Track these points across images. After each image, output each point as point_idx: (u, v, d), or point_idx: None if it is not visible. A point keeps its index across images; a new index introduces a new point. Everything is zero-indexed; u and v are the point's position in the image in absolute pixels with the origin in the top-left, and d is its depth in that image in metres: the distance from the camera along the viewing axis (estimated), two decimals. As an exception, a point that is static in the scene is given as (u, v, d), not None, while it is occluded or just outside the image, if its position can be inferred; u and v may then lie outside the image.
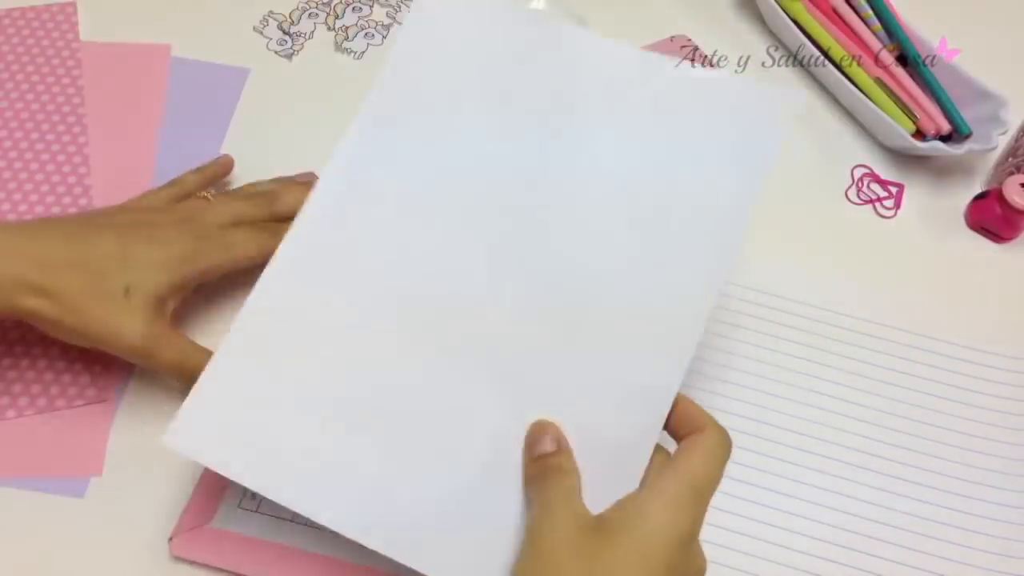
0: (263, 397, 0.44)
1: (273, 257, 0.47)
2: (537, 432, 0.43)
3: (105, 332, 0.48)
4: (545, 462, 0.42)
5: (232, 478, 0.43)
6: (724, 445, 0.42)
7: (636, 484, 0.42)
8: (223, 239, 0.52)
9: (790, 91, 0.49)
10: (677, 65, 0.50)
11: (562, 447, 0.43)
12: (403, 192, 0.48)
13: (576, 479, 0.42)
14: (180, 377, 0.50)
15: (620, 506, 0.40)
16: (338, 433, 0.44)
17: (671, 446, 0.43)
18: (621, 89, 0.50)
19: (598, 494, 0.40)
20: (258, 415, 0.44)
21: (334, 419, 0.44)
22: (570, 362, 0.45)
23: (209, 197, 0.55)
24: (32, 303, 0.47)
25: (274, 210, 0.55)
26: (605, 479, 0.40)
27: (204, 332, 0.55)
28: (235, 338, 0.45)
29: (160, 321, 0.49)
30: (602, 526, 0.39)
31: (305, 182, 0.58)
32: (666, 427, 0.43)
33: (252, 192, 0.57)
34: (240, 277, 0.52)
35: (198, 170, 0.58)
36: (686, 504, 0.39)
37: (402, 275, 0.47)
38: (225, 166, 0.60)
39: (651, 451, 0.42)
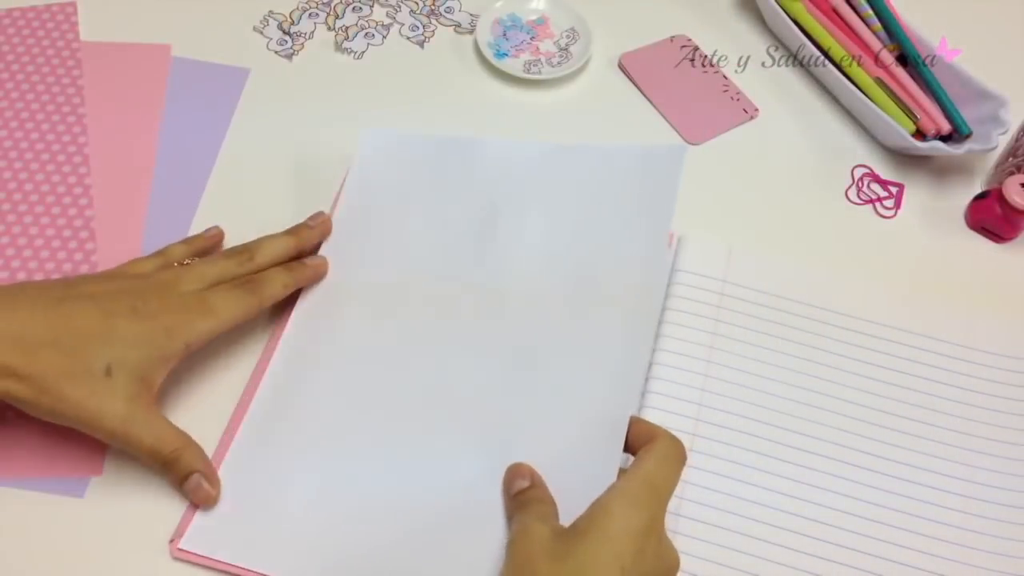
0: (267, 497, 0.49)
1: (265, 371, 0.53)
2: (513, 473, 0.49)
3: (83, 415, 0.46)
4: (522, 496, 0.47)
5: (248, 567, 0.47)
6: (676, 449, 0.46)
7: None
8: (204, 304, 0.50)
9: (672, 145, 0.59)
10: (575, 149, 0.60)
11: (536, 482, 0.48)
12: (372, 296, 0.56)
13: (551, 506, 0.47)
14: (153, 464, 0.48)
15: (587, 510, 0.43)
16: (338, 519, 0.49)
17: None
18: (535, 181, 0.59)
19: (573, 518, 0.44)
20: (264, 513, 0.49)
21: (334, 508, 0.49)
22: (535, 411, 0.51)
23: (188, 263, 0.53)
24: (6, 386, 0.44)
25: (254, 264, 0.53)
26: (579, 506, 0.44)
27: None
28: (236, 450, 0.51)
29: (141, 401, 0.47)
30: (572, 530, 0.43)
31: (286, 232, 0.56)
32: (626, 448, 0.48)
33: (230, 250, 0.54)
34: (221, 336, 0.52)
35: (186, 241, 0.56)
36: (644, 500, 0.43)
37: (387, 362, 0.54)
38: (214, 239, 0.57)
39: (616, 472, 0.47)
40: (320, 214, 0.58)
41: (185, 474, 0.48)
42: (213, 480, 0.49)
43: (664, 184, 0.57)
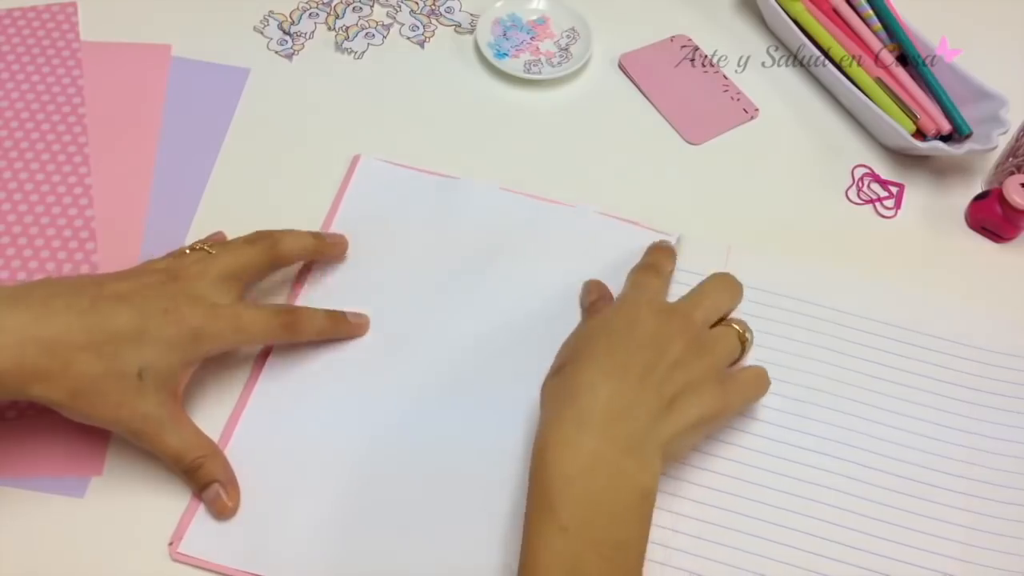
0: (265, 500, 0.49)
1: (258, 379, 0.53)
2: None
3: (114, 417, 0.46)
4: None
5: (248, 571, 0.47)
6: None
7: None
8: (237, 319, 0.50)
9: (666, 235, 0.61)
10: (568, 210, 0.62)
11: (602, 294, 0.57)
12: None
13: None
14: (177, 467, 0.49)
15: None
16: (336, 522, 0.49)
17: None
18: (533, 236, 0.60)
19: None
20: (263, 516, 0.49)
21: (332, 511, 0.50)
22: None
23: (210, 251, 0.52)
24: (41, 390, 0.45)
25: (276, 253, 0.53)
26: None
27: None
28: (232, 454, 0.50)
29: (170, 403, 0.48)
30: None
31: (311, 232, 0.56)
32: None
33: (252, 236, 0.54)
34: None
35: (197, 243, 0.55)
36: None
37: (381, 376, 0.54)
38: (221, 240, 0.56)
39: None
40: (341, 235, 0.58)
41: (205, 483, 0.49)
42: (232, 492, 0.49)
43: None
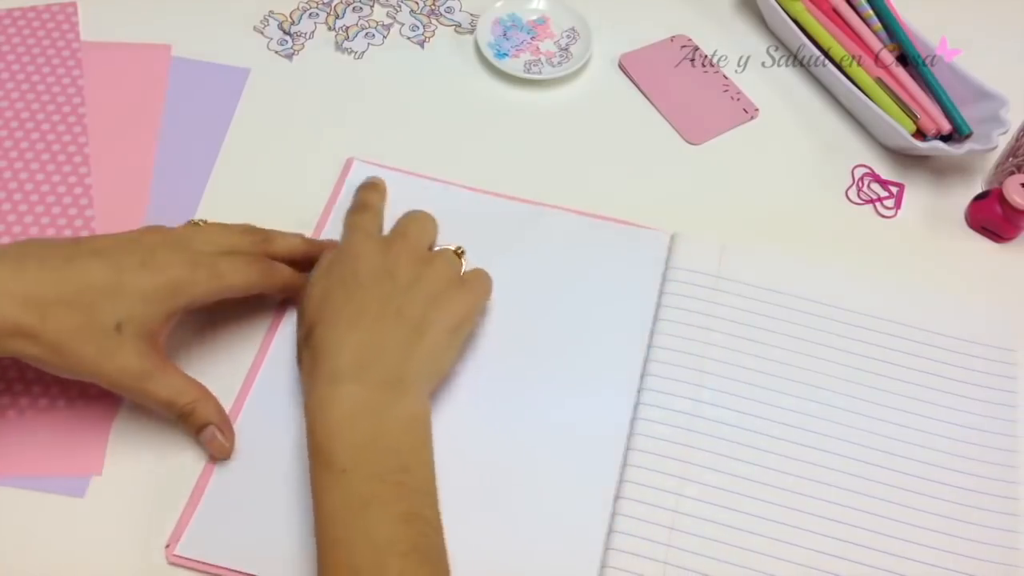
0: (263, 500, 0.50)
1: (255, 378, 0.53)
2: None
3: (96, 370, 0.47)
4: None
5: (246, 571, 0.47)
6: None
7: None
8: (214, 267, 0.50)
9: (656, 231, 0.61)
10: (561, 216, 0.61)
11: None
12: None
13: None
14: (170, 414, 0.49)
15: None
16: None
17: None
18: (520, 238, 0.60)
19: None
20: (260, 516, 0.49)
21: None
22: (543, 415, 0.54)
23: (201, 224, 0.53)
24: (18, 345, 0.45)
25: (267, 248, 0.53)
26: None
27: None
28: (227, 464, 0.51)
29: (153, 354, 0.48)
30: None
31: (299, 235, 0.57)
32: None
33: (247, 228, 0.54)
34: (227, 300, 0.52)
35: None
36: None
37: None
38: None
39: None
40: (335, 243, 0.58)
41: (200, 426, 0.49)
42: (227, 432, 0.50)
43: (649, 267, 0.60)
